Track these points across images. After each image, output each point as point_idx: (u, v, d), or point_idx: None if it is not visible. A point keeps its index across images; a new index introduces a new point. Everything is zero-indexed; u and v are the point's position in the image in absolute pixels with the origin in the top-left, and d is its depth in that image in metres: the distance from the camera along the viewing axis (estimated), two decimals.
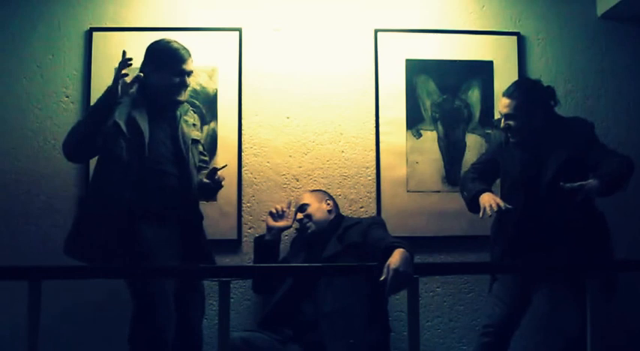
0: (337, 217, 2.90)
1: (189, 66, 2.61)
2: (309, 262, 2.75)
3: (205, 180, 2.61)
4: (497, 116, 2.99)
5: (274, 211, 2.94)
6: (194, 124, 2.78)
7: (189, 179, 2.59)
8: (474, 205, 2.61)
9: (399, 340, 2.71)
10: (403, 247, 2.20)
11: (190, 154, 2.63)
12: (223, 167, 2.65)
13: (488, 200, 2.52)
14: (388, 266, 2.10)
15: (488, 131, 3.28)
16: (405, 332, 1.87)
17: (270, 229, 2.94)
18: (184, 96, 2.63)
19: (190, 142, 2.66)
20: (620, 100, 3.34)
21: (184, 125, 2.67)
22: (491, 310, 2.71)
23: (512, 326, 2.68)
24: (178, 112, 2.66)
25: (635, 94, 3.35)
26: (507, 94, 2.68)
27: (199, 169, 2.71)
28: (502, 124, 2.70)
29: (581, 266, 2.34)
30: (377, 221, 2.79)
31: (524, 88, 2.69)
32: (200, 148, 2.80)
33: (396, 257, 2.13)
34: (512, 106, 2.64)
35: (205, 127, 3.18)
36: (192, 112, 2.84)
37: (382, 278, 2.09)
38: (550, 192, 2.55)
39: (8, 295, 2.70)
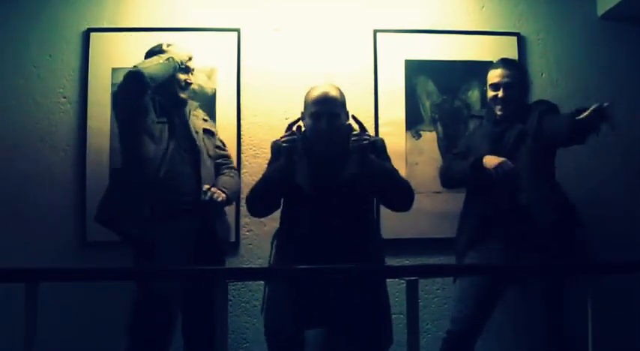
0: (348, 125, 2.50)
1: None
2: (321, 177, 2.43)
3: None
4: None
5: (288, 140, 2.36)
6: (205, 119, 2.84)
7: (200, 170, 2.62)
8: (475, 170, 2.58)
9: (398, 343, 2.68)
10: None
11: (203, 143, 2.68)
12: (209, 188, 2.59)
13: (493, 162, 2.51)
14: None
15: None
16: (405, 335, 1.85)
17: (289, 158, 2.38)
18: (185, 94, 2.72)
19: (202, 131, 2.72)
20: (620, 100, 3.31)
21: (194, 119, 2.74)
22: (456, 314, 2.67)
23: (477, 330, 2.64)
24: (187, 109, 2.73)
25: (635, 93, 3.34)
26: (503, 65, 2.70)
27: (218, 164, 2.78)
28: (492, 94, 2.67)
29: (586, 267, 2.32)
30: (383, 145, 2.59)
31: (516, 63, 2.81)
32: (217, 141, 2.84)
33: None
34: (510, 76, 2.65)
35: None
36: (200, 109, 2.90)
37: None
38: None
39: (5, 297, 2.69)
